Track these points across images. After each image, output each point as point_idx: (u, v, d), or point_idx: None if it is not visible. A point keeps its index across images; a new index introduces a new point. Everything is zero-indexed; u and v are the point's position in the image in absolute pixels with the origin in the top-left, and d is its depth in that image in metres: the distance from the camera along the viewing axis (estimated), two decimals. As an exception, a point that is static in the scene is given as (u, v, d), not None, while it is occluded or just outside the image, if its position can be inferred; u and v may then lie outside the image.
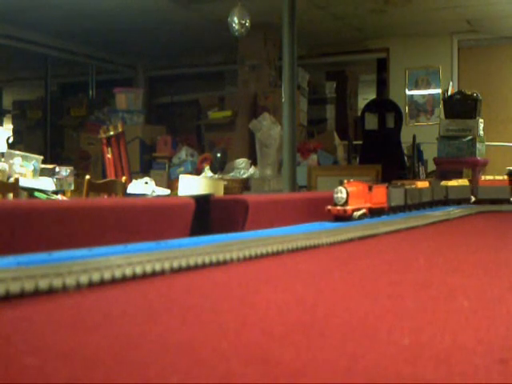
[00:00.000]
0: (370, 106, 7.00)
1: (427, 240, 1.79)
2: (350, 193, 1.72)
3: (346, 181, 1.73)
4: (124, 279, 0.91)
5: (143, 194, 5.47)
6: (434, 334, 0.64)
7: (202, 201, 1.80)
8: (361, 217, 1.79)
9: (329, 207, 1.73)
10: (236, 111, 7.90)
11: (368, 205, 1.85)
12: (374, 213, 1.92)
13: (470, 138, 5.37)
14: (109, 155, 7.09)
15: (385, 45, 8.79)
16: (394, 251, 1.49)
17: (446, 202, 2.71)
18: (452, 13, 7.40)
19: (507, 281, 1.03)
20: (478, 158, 5.33)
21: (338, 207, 1.72)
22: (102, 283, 0.87)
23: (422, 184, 2.49)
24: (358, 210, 1.78)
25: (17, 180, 4.29)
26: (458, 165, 5.29)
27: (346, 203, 1.71)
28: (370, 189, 1.87)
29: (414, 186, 2.35)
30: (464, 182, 2.86)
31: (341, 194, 1.72)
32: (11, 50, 8.83)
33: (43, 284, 0.80)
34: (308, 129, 8.60)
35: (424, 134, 7.43)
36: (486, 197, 2.80)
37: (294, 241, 1.35)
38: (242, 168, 7.15)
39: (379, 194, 1.95)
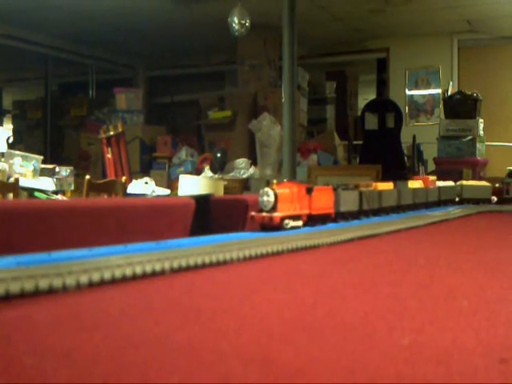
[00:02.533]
0: (370, 106, 7.00)
1: (427, 240, 1.79)
2: (280, 196, 1.44)
3: (275, 181, 1.54)
4: (124, 279, 0.91)
5: (143, 194, 5.47)
6: (434, 334, 0.64)
7: (201, 201, 1.80)
8: (295, 226, 1.52)
9: (253, 213, 1.44)
10: (236, 111, 7.89)
11: (306, 211, 1.57)
12: (315, 220, 1.64)
13: (470, 137, 5.37)
14: (109, 155, 7.09)
15: (385, 45, 8.79)
16: (394, 251, 1.49)
17: (415, 206, 2.44)
18: (452, 13, 7.40)
19: (507, 281, 1.03)
20: (478, 158, 5.33)
21: (264, 213, 1.43)
22: (102, 283, 0.87)
23: (384, 186, 2.18)
24: (292, 217, 1.50)
25: (17, 180, 4.29)
26: (457, 165, 5.29)
27: (273, 209, 1.42)
28: (309, 191, 1.59)
29: (371, 189, 2.05)
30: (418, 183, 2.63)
31: (267, 197, 1.44)
32: (11, 49, 8.83)
33: (43, 284, 0.80)
34: (308, 129, 8.60)
35: (424, 133, 7.43)
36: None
37: (294, 241, 1.35)
38: (242, 168, 7.14)
39: (323, 198, 1.68)
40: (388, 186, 2.20)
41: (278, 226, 1.44)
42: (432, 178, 2.73)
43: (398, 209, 2.26)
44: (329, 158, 7.41)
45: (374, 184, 2.09)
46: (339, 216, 1.78)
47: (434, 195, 2.68)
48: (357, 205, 1.90)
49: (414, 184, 2.49)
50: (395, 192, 2.23)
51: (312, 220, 1.62)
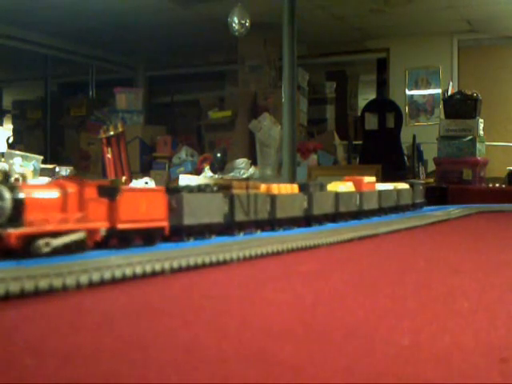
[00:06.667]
0: (370, 106, 6.99)
1: (427, 240, 1.79)
2: (28, 201, 0.91)
3: (27, 170, 1.09)
4: (124, 279, 0.91)
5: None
6: (434, 334, 0.64)
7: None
8: (69, 248, 0.97)
9: None
10: (236, 111, 7.89)
11: (101, 224, 1.04)
12: (126, 238, 1.10)
13: (470, 137, 5.37)
14: (109, 155, 7.08)
15: (385, 45, 8.78)
16: (394, 251, 1.49)
17: (341, 216, 1.89)
18: (452, 13, 7.40)
19: (507, 281, 1.03)
20: (478, 158, 5.33)
21: None
22: (102, 283, 0.87)
23: (284, 188, 1.62)
24: (59, 233, 0.95)
25: (17, 180, 4.28)
26: (457, 165, 5.29)
27: (13, 221, 0.89)
28: (110, 194, 1.05)
29: (256, 192, 1.49)
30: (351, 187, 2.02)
31: None
32: (11, 50, 8.83)
33: (43, 284, 0.80)
34: (308, 129, 8.60)
35: (424, 133, 7.42)
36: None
37: (294, 241, 1.34)
38: (242, 168, 7.14)
39: (143, 205, 1.12)
40: (291, 188, 1.66)
41: (21, 250, 0.89)
42: (369, 179, 2.16)
43: (309, 219, 1.72)
44: (329, 158, 7.40)
45: (263, 186, 1.57)
46: (184, 230, 1.23)
47: (371, 201, 2.12)
48: (222, 215, 1.34)
49: (339, 187, 1.93)
50: (301, 197, 1.68)
51: (119, 238, 1.09)
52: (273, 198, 1.54)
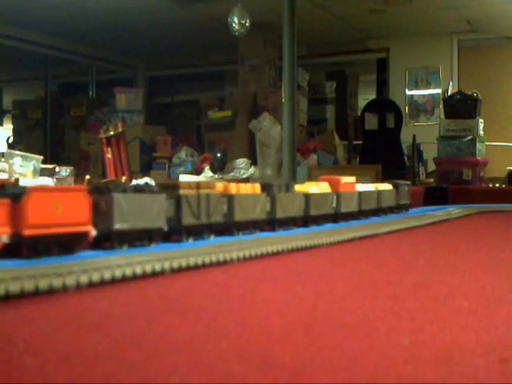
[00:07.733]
0: (370, 106, 6.99)
1: (427, 240, 1.79)
2: None
3: None
4: (124, 279, 0.91)
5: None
6: (434, 334, 0.64)
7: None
8: None
9: None
10: (236, 111, 7.89)
11: (2, 229, 0.89)
12: (38, 244, 0.94)
13: (470, 137, 5.37)
14: (109, 155, 7.08)
15: (385, 45, 8.79)
16: (394, 251, 1.49)
17: (312, 220, 1.74)
18: (452, 13, 7.40)
19: (507, 281, 1.03)
20: (478, 158, 5.33)
21: None
22: (102, 283, 0.87)
23: (244, 188, 1.46)
24: None
25: (17, 180, 4.28)
26: (458, 165, 5.29)
27: None
28: (14, 195, 0.90)
29: (206, 192, 1.32)
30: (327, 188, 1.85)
31: None
32: (11, 50, 8.83)
33: (43, 284, 0.80)
34: (308, 129, 8.60)
35: (424, 134, 7.42)
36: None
37: (294, 241, 1.35)
38: (242, 168, 7.14)
39: (59, 208, 0.96)
40: (252, 188, 1.50)
41: None
42: (347, 179, 1.99)
43: (273, 223, 1.56)
44: (329, 157, 7.40)
45: (220, 185, 1.41)
46: (114, 236, 1.07)
47: (349, 203, 1.96)
48: (165, 218, 1.19)
49: (310, 187, 1.75)
50: (263, 199, 1.51)
51: (28, 246, 0.93)
52: (230, 199, 1.39)
